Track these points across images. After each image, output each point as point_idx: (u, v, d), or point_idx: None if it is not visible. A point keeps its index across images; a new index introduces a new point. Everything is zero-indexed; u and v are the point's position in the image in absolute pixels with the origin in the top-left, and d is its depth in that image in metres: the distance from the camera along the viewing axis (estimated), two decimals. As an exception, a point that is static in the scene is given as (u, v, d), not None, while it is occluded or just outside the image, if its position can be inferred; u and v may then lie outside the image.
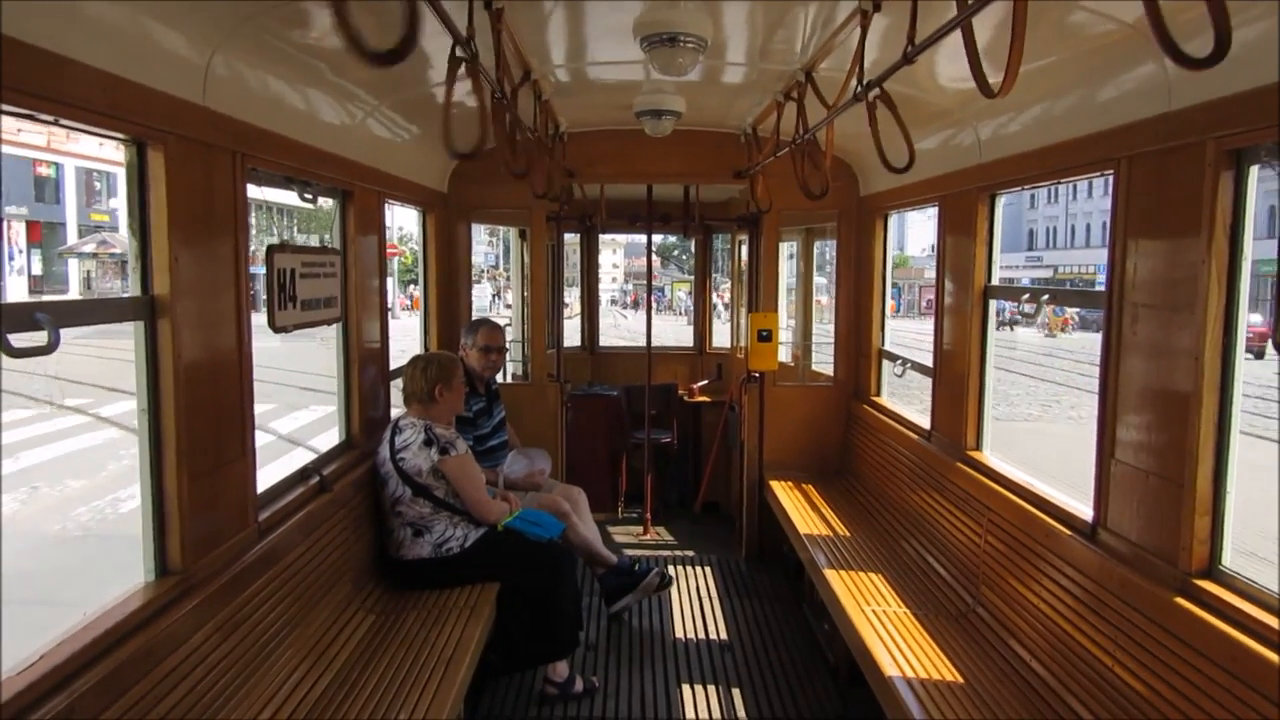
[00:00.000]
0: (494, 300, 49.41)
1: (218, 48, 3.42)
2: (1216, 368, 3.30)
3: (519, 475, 6.37)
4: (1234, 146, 3.16)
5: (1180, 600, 3.33)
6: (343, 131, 4.96)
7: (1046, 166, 4.52)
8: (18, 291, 43.29)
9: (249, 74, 3.80)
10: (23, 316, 2.58)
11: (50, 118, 2.69)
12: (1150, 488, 3.62)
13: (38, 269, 47.74)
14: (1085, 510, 4.16)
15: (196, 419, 3.46)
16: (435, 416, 5.38)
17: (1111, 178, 3.92)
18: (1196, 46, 3.22)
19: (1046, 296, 4.81)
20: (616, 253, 75.45)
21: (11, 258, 45.89)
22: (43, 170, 48.17)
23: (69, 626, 2.88)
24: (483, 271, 59.65)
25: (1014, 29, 2.43)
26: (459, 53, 3.17)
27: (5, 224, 44.45)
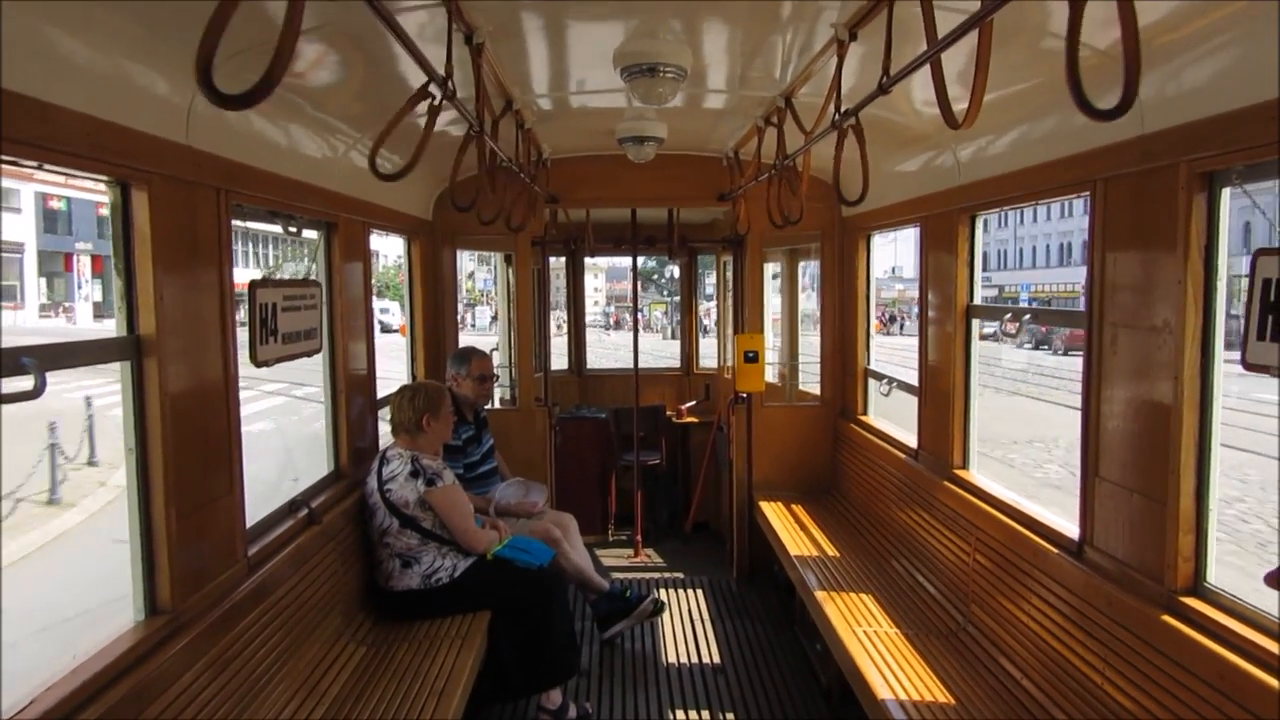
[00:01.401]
0: (493, 321, 50.92)
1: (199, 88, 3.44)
2: (1196, 386, 3.34)
3: (512, 502, 6.37)
4: (1206, 169, 3.21)
5: (1167, 617, 3.36)
6: (325, 164, 4.98)
7: (1025, 188, 4.58)
8: (84, 316, 49.88)
9: (231, 112, 3.81)
10: (8, 361, 2.58)
11: (34, 163, 2.70)
12: (1134, 506, 3.65)
13: (98, 296, 54.18)
14: (1072, 529, 4.18)
15: (184, 456, 3.46)
16: (422, 447, 5.37)
17: (1087, 199, 3.97)
18: (1164, 73, 3.30)
19: (1028, 316, 4.85)
20: (598, 277, 78.90)
21: (79, 286, 53.10)
22: (104, 211, 55.38)
23: (59, 669, 2.87)
24: (484, 294, 61.81)
25: (978, 63, 2.48)
26: (431, 90, 3.20)
27: (75, 258, 52.30)
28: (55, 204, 51.95)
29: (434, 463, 5.31)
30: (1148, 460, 3.57)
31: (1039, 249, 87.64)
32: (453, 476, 5.38)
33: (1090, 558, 3.95)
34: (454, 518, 5.27)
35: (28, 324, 44.21)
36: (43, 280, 52.26)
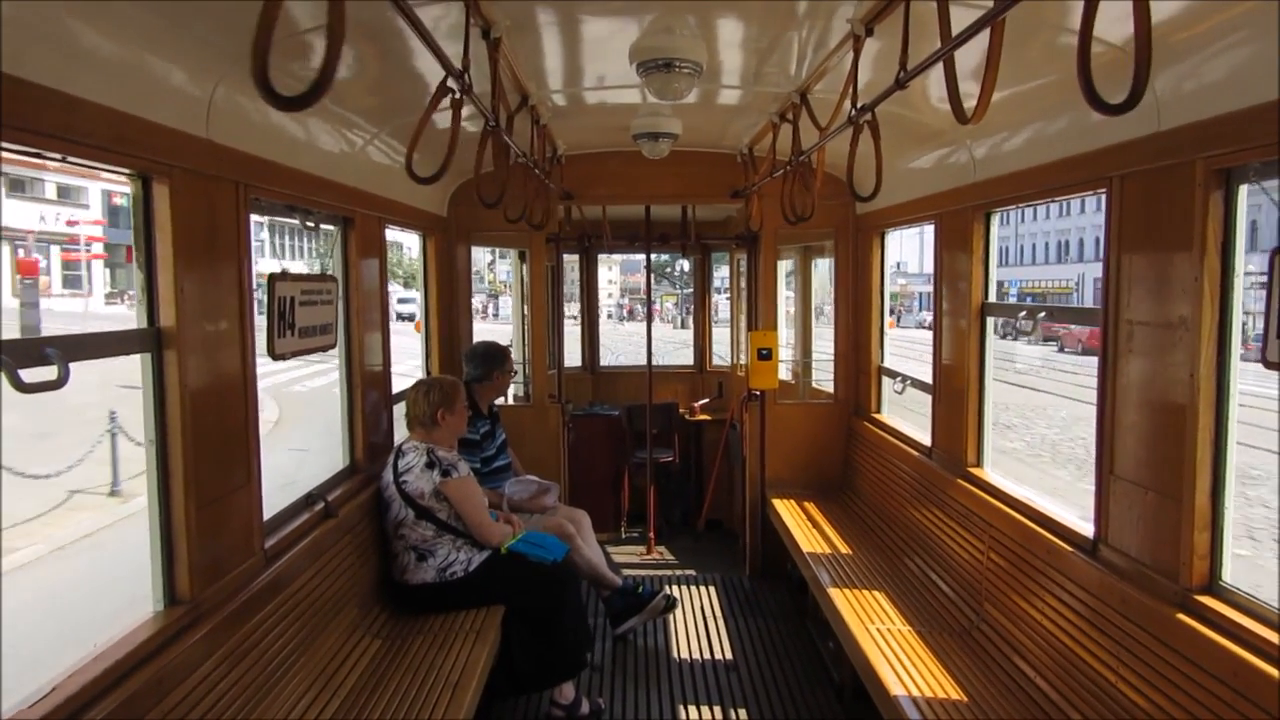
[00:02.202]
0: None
1: (220, 81, 3.47)
2: (1212, 384, 3.33)
3: (524, 497, 6.40)
4: (1223, 166, 3.20)
5: (1181, 616, 3.35)
6: (343, 159, 5.01)
7: (1040, 185, 4.56)
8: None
9: (250, 106, 3.84)
10: (32, 351, 2.61)
11: (58, 155, 2.73)
12: (1149, 504, 3.64)
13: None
14: (1086, 526, 4.18)
15: (203, 448, 3.49)
16: (438, 440, 5.41)
17: (1104, 196, 3.96)
18: (1181, 70, 3.29)
19: (1043, 314, 4.84)
20: (612, 269, 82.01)
21: (138, 279, 57.38)
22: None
23: (80, 657, 2.90)
24: (505, 285, 65.62)
25: (989, 59, 2.49)
26: (450, 84, 3.22)
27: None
28: (118, 200, 54.55)
29: (449, 455, 5.35)
30: (1163, 458, 3.56)
31: (1038, 246, 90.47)
32: (468, 468, 5.41)
33: (1104, 555, 3.94)
34: (468, 509, 5.30)
35: (97, 310, 45.77)
36: (107, 271, 55.76)
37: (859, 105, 3.79)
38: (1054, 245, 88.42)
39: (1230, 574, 3.36)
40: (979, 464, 5.50)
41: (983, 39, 2.55)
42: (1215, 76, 3.17)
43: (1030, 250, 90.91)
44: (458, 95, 3.29)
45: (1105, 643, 3.78)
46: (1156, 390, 3.62)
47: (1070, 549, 4.19)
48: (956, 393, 5.64)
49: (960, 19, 2.68)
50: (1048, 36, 3.58)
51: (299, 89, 1.99)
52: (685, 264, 12.21)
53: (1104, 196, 3.96)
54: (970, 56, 2.82)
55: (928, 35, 3.15)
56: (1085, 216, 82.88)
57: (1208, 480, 3.36)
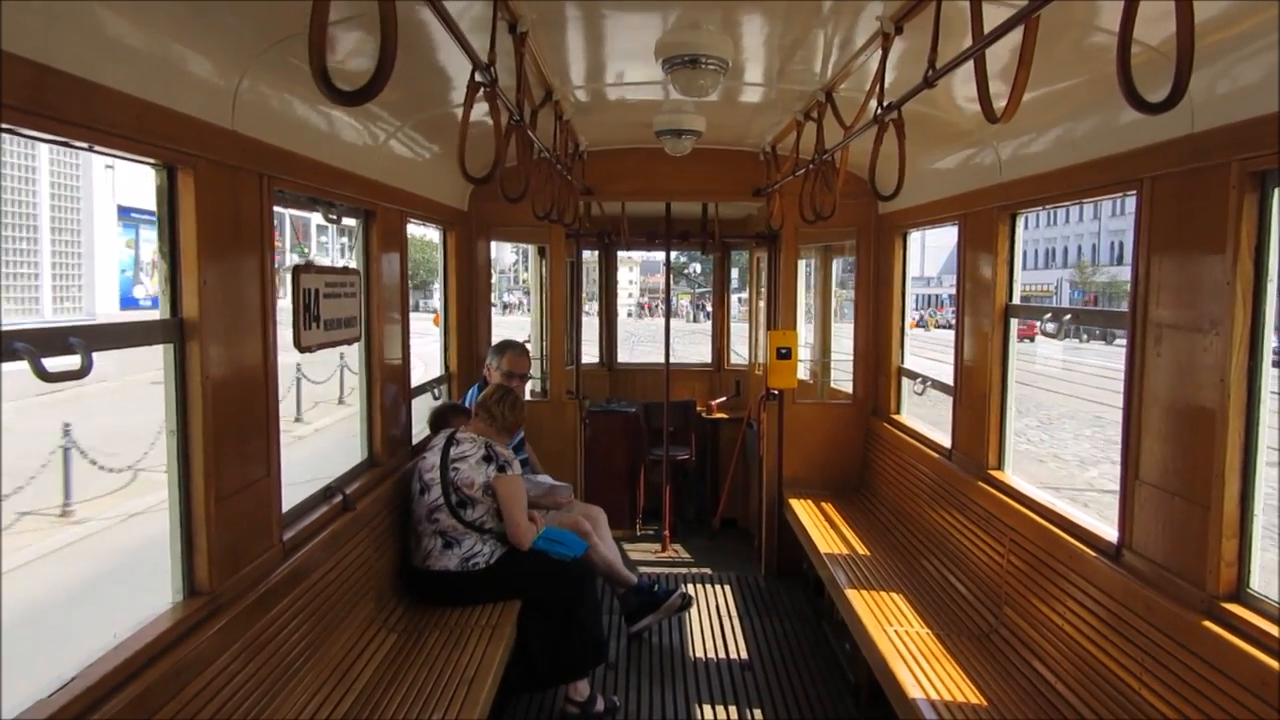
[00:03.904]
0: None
1: (245, 72, 3.47)
2: (1243, 388, 3.28)
3: (538, 494, 6.40)
4: (1258, 169, 3.15)
5: (1207, 623, 3.30)
6: (365, 152, 5.01)
7: (1068, 187, 4.52)
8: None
9: (275, 97, 3.84)
10: (56, 340, 2.61)
11: (84, 144, 2.73)
12: (1176, 509, 3.59)
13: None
14: (1110, 531, 4.13)
15: (223, 439, 3.49)
16: (495, 438, 5.51)
17: (1134, 198, 3.91)
18: (1215, 71, 3.24)
19: (1069, 316, 4.79)
20: (633, 270, 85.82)
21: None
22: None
23: (100, 646, 2.90)
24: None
25: (1021, 58, 2.47)
26: (478, 78, 3.21)
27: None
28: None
29: (505, 451, 5.45)
30: (1191, 463, 3.51)
31: (1029, 253, 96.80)
32: (520, 467, 5.47)
33: (1128, 561, 3.90)
34: (513, 508, 5.34)
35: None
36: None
37: (886, 103, 3.76)
38: (1042, 252, 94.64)
39: (1258, 582, 3.31)
40: (1000, 466, 5.46)
41: (1011, 38, 2.53)
42: (1251, 79, 3.12)
43: (1021, 256, 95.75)
44: (481, 92, 3.28)
45: (1128, 649, 3.74)
46: (1185, 394, 3.57)
47: (1093, 554, 4.14)
48: (978, 395, 5.59)
49: (990, 18, 2.65)
50: (1076, 36, 3.54)
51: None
52: (698, 266, 12.25)
53: (1113, 202, 3.91)
54: (998, 56, 2.79)
55: (955, 34, 3.12)
56: (1069, 226, 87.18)
57: (1237, 486, 3.31)
